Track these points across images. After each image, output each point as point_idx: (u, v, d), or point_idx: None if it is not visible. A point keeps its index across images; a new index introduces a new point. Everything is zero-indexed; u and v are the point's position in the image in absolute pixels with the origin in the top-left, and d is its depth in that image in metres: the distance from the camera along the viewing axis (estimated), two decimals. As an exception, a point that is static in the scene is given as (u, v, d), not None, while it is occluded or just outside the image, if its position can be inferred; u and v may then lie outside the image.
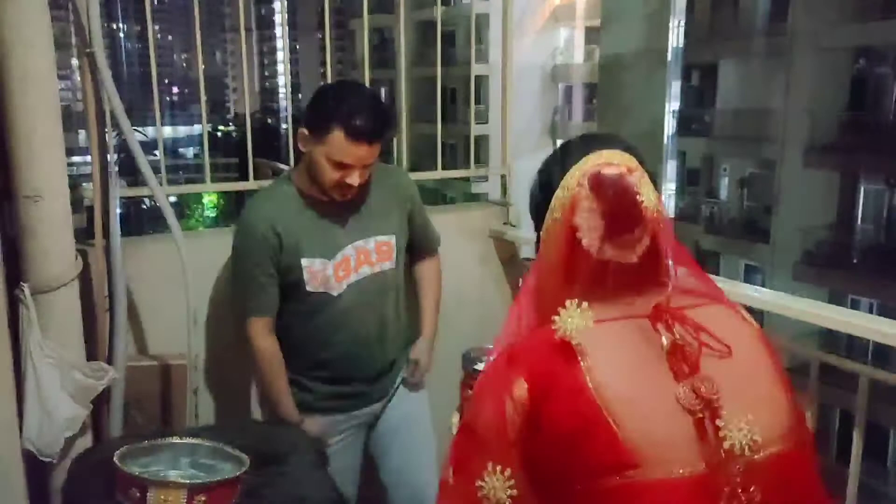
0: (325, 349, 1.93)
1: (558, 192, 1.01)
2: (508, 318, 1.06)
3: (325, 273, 1.86)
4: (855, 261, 11.61)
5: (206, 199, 27.59)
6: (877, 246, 11.77)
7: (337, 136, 1.73)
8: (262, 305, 1.88)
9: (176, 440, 1.33)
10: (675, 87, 13.11)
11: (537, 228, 1.08)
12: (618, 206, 0.96)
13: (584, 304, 0.94)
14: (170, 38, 64.50)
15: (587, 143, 1.04)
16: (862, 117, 11.87)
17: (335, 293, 1.88)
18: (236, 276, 1.93)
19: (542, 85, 3.12)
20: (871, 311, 9.94)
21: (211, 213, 28.11)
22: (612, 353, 0.93)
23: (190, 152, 46.21)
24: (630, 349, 0.94)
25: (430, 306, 2.11)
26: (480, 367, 1.29)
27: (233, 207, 22.80)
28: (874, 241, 11.87)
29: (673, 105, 12.84)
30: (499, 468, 0.92)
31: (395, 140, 2.59)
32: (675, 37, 14.47)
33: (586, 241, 0.96)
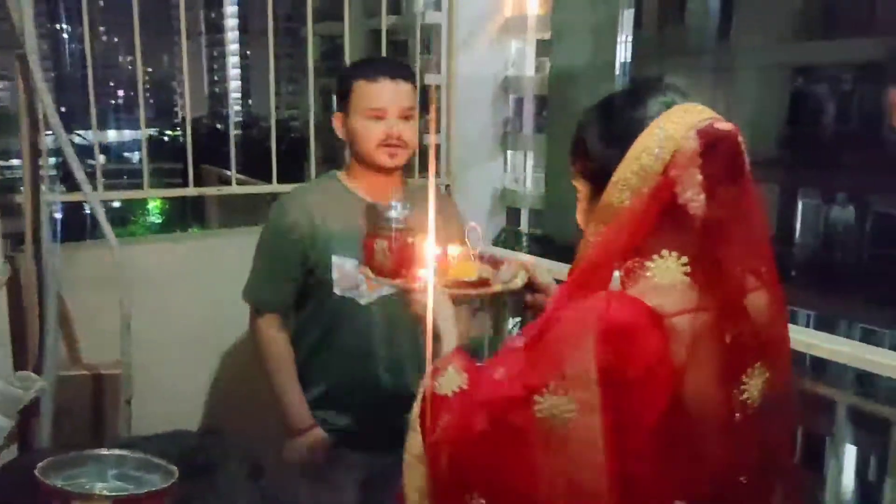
0: (341, 366, 1.77)
1: (647, 140, 0.94)
2: (576, 267, 1.00)
3: (356, 277, 1.72)
4: (793, 273, 11.98)
5: (151, 205, 27.01)
6: (813, 259, 12.17)
7: (359, 85, 1.72)
8: (276, 300, 1.78)
9: (102, 451, 1.29)
10: (623, 101, 13.34)
11: (591, 175, 1.02)
12: (726, 165, 0.92)
13: (683, 257, 0.93)
14: (115, 39, 63.14)
15: (660, 89, 1.00)
16: (800, 133, 12.29)
17: (363, 301, 1.74)
18: (256, 263, 1.81)
19: (494, 96, 3.15)
20: (807, 323, 10.29)
21: (156, 220, 27.52)
22: (695, 354, 0.91)
23: (135, 157, 45.28)
24: (707, 347, 0.92)
25: None
26: (390, 216, 1.28)
27: (178, 214, 22.37)
28: (811, 255, 12.28)
29: (620, 118, 13.07)
30: (561, 390, 0.89)
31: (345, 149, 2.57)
32: (623, 51, 14.83)
33: (688, 195, 0.92)
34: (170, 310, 2.19)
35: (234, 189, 2.49)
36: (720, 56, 12.77)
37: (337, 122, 1.78)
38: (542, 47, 17.98)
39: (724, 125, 0.94)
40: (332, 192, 1.79)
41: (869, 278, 11.14)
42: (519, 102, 18.94)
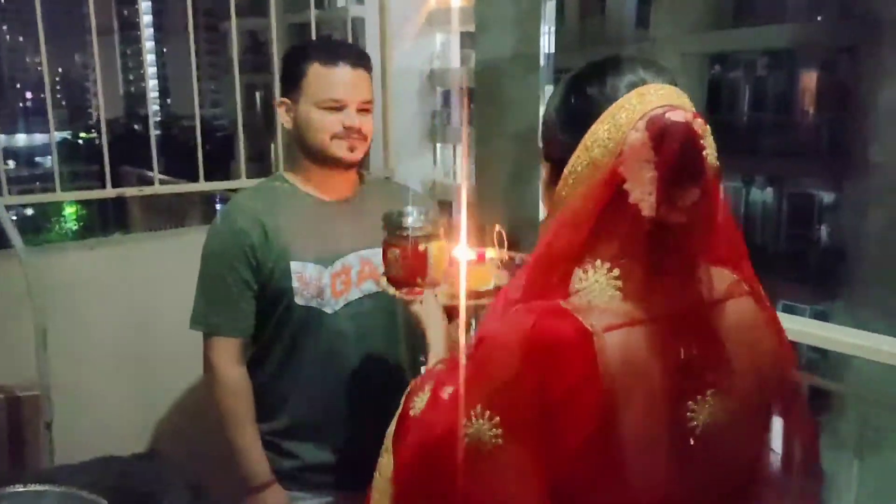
0: (309, 389, 1.58)
1: (599, 128, 0.85)
2: (521, 272, 0.91)
3: (319, 283, 1.55)
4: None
5: (67, 211, 25.91)
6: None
7: (314, 69, 1.53)
8: (231, 323, 1.56)
9: (18, 489, 1.17)
10: (549, 91, 13.55)
11: (552, 158, 0.92)
12: (679, 160, 0.81)
13: (616, 270, 0.84)
14: (21, 39, 60.10)
15: (629, 67, 0.88)
16: (718, 119, 12.70)
17: (329, 310, 1.57)
18: (201, 283, 1.59)
19: (421, 89, 3.12)
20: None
21: (72, 226, 26.41)
22: (630, 373, 0.82)
23: (48, 161, 43.44)
24: (646, 366, 0.83)
25: None
26: (407, 222, 1.17)
27: (97, 220, 21.54)
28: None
29: (547, 108, 13.30)
30: (487, 413, 0.82)
31: (272, 145, 2.47)
32: (547, 43, 15.05)
33: (636, 195, 0.82)
34: (91, 322, 2.05)
35: (158, 189, 2.35)
36: (641, 46, 13.05)
37: (282, 111, 1.59)
38: (467, 40, 18.04)
39: (679, 114, 0.83)
40: (282, 193, 1.60)
41: (788, 256, 11.63)
42: (446, 95, 18.96)
